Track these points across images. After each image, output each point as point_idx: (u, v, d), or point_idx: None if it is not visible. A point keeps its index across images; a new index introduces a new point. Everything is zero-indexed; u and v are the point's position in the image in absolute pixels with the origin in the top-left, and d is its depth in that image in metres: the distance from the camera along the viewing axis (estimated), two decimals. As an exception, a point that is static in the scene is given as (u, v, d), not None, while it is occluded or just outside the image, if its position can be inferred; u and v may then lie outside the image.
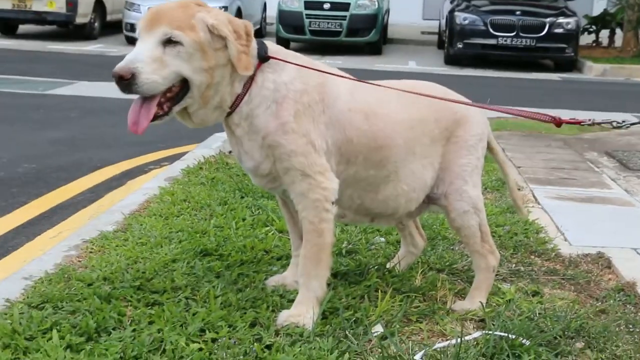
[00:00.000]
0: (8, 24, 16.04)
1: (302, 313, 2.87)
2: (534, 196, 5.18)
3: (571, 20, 14.38)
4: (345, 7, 15.18)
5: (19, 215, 4.73)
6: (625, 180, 5.83)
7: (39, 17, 15.39)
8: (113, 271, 3.30)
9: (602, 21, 17.21)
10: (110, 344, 2.64)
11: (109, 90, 9.32)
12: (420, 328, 2.96)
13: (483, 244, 3.17)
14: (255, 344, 2.69)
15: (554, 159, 6.44)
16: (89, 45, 15.15)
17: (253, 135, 2.84)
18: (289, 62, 2.86)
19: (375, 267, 3.51)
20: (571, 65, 14.77)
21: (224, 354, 2.63)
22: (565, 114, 8.94)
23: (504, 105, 9.27)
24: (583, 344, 2.86)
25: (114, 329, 2.77)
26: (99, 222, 4.12)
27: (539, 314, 3.07)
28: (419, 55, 16.15)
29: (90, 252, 3.64)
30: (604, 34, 17.48)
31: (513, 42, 14.19)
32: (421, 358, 2.70)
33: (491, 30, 14.23)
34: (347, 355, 2.66)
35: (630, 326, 3.04)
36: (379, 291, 3.18)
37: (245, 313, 2.93)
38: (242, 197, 4.60)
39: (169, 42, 2.65)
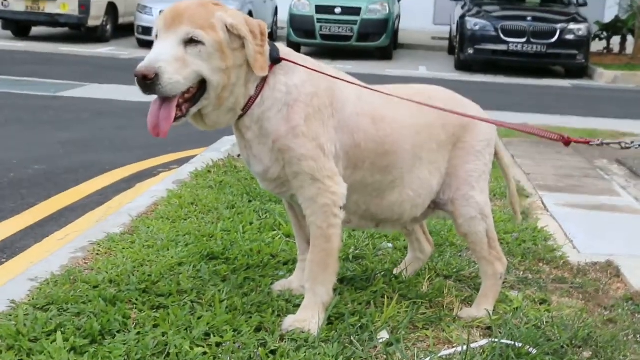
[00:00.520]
0: (21, 25, 16.10)
1: (308, 318, 2.85)
2: (543, 203, 5.15)
3: (582, 26, 14.32)
4: (357, 12, 15.17)
5: (28, 216, 4.73)
6: (635, 188, 5.80)
7: (52, 19, 15.45)
8: (119, 274, 3.29)
9: (613, 28, 17.14)
10: (115, 347, 2.63)
11: (120, 92, 9.44)
12: (427, 335, 2.94)
13: (490, 251, 3.15)
14: (259, 348, 2.67)
15: (563, 166, 6.40)
16: (101, 48, 15.20)
17: (263, 139, 2.82)
18: (301, 65, 2.84)
19: (382, 273, 3.49)
20: (582, 71, 14.71)
21: (228, 359, 2.61)
22: (576, 122, 8.95)
23: (515, 112, 9.15)
24: (591, 353, 2.84)
25: (118, 331, 2.75)
26: (106, 224, 4.11)
27: (547, 322, 3.04)
28: (429, 61, 16.13)
29: (97, 254, 3.64)
30: (615, 40, 17.40)
31: (524, 48, 14.15)
32: (427, 365, 2.68)
33: (502, 36, 14.19)
34: (352, 362, 2.64)
35: (639, 336, 3.01)
36: (386, 297, 3.16)
37: (250, 317, 2.91)
38: (250, 201, 4.59)
39: (190, 41, 2.61)
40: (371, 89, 2.97)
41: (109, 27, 16.37)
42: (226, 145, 6.26)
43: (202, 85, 2.69)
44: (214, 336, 2.75)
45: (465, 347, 2.70)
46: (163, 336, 2.72)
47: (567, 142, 2.95)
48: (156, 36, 2.69)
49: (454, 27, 16.17)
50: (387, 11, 15.33)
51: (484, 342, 2.85)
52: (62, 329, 2.72)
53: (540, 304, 3.32)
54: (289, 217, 3.31)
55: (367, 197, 3.03)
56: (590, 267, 3.84)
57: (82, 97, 9.38)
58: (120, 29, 16.81)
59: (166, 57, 2.58)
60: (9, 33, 16.17)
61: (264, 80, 2.79)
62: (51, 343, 2.62)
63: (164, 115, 2.63)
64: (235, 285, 3.23)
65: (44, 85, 10.10)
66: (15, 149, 6.45)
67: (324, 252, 2.86)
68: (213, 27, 2.64)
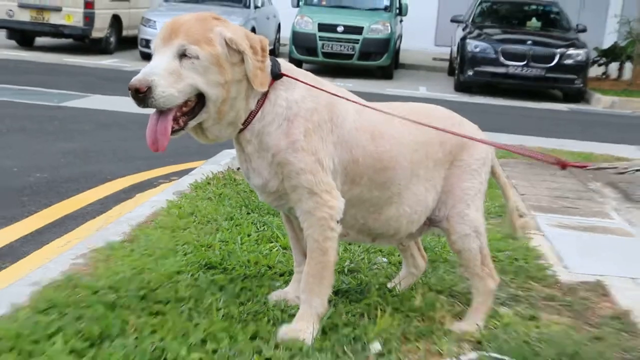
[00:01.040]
0: (26, 35, 16.14)
1: (303, 328, 2.88)
2: (536, 223, 5.20)
3: (581, 51, 14.41)
4: (359, 30, 15.25)
5: (29, 223, 4.78)
6: (627, 211, 5.85)
7: (56, 30, 15.49)
8: (118, 280, 3.34)
9: (612, 54, 17.21)
10: (113, 351, 2.67)
11: (123, 104, 9.48)
12: (418, 347, 2.98)
13: (483, 267, 3.19)
14: (255, 356, 2.71)
15: (558, 187, 6.46)
16: (105, 60, 15.27)
17: (263, 153, 2.85)
18: (302, 82, 2.88)
19: (376, 287, 3.53)
20: (580, 96, 14.78)
21: (224, 365, 2.66)
22: (573, 145, 9.00)
23: (513, 134, 9.18)
24: (577, 369, 2.88)
25: (117, 336, 2.79)
26: (106, 232, 4.16)
27: (535, 338, 3.08)
28: (429, 81, 16.21)
29: (97, 261, 3.68)
30: (614, 66, 17.48)
31: (523, 72, 14.23)
32: (417, 376, 2.73)
33: (502, 59, 14.27)
34: (344, 371, 2.69)
35: (624, 353, 3.06)
36: (379, 310, 3.21)
37: (246, 326, 2.95)
38: (248, 213, 4.63)
39: (185, 55, 2.63)
40: (369, 107, 3.01)
41: (112, 39, 16.42)
42: (226, 158, 6.31)
43: (200, 99, 2.70)
44: (211, 343, 2.78)
45: (455, 359, 2.75)
46: (160, 342, 2.76)
47: (563, 166, 2.98)
48: (154, 49, 2.71)
49: (455, 48, 16.25)
50: (389, 31, 15.41)
51: (473, 355, 2.89)
52: (62, 332, 2.76)
53: (530, 320, 3.36)
54: (286, 229, 3.35)
55: (364, 211, 3.07)
56: (580, 286, 3.89)
57: (85, 108, 9.44)
58: (124, 41, 16.87)
59: (160, 70, 2.60)
60: (13, 43, 16.22)
61: (264, 95, 2.82)
62: (51, 346, 2.67)
63: (161, 131, 2.64)
64: (232, 294, 3.27)
65: (48, 95, 10.15)
66: (18, 157, 6.50)
67: (320, 265, 2.90)
68: (210, 41, 2.65)
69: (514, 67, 14.22)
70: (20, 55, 14.86)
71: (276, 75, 2.84)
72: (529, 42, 14.45)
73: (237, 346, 2.78)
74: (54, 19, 15.32)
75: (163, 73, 2.60)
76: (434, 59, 20.20)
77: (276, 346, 2.81)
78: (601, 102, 14.37)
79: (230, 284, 3.41)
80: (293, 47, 15.60)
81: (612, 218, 5.58)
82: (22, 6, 15.28)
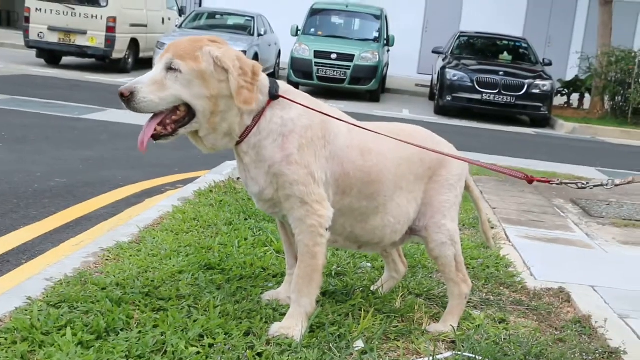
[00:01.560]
0: (53, 55, 16.12)
1: (292, 326, 2.82)
2: (505, 234, 5.15)
3: (547, 83, 14.44)
4: (350, 58, 15.26)
5: (48, 223, 4.69)
6: (586, 225, 5.80)
7: (81, 51, 15.49)
8: (125, 278, 3.27)
9: (573, 86, 17.28)
10: (118, 344, 2.60)
11: (136, 117, 9.36)
12: (398, 346, 2.91)
13: (457, 273, 3.14)
14: (247, 351, 2.65)
15: (525, 203, 6.41)
16: (122, 78, 15.17)
17: (260, 164, 2.81)
18: (296, 103, 2.83)
19: (360, 289, 3.47)
20: (545, 122, 14.80)
21: (219, 358, 2.58)
22: (539, 165, 8.98)
23: (485, 154, 9.17)
24: (542, 369, 2.81)
25: (122, 329, 2.73)
26: (116, 233, 4.08)
27: (504, 339, 3.03)
28: (412, 105, 16.19)
29: (107, 259, 3.60)
30: (575, 97, 17.55)
31: (495, 99, 14.24)
32: (396, 373, 2.65)
33: (477, 87, 14.28)
34: (329, 367, 2.61)
35: (584, 354, 2.99)
36: (362, 310, 3.14)
37: (240, 323, 2.88)
38: (246, 219, 4.56)
39: (170, 68, 2.65)
40: (359, 126, 2.96)
41: (130, 59, 16.39)
42: (227, 169, 6.24)
43: (191, 110, 2.70)
44: (208, 338, 2.72)
45: (431, 358, 2.68)
46: (162, 336, 2.69)
47: (530, 181, 2.96)
48: None
49: (435, 76, 16.25)
50: (377, 59, 15.42)
51: (448, 354, 2.83)
52: (72, 325, 2.69)
53: (500, 322, 3.30)
54: (280, 235, 3.29)
55: (352, 220, 3.01)
56: (545, 292, 3.83)
57: (103, 120, 9.36)
58: (141, 62, 16.83)
59: (145, 79, 2.65)
60: (42, 61, 16.16)
61: (261, 112, 2.78)
62: (61, 337, 2.60)
63: (145, 132, 2.69)
64: (228, 293, 3.20)
65: (70, 108, 10.07)
66: (41, 163, 6.42)
67: (309, 268, 2.84)
68: (196, 58, 2.66)
69: (488, 94, 14.24)
70: (48, 72, 14.79)
71: (274, 96, 2.80)
72: (501, 72, 14.49)
73: (231, 341, 2.71)
74: (80, 40, 15.32)
75: (147, 82, 2.64)
76: (417, 85, 20.21)
77: (268, 342, 2.75)
78: (564, 128, 14.38)
79: (227, 283, 3.34)
80: (291, 71, 15.60)
81: (573, 231, 5.53)
82: (51, 29, 15.28)
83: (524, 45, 16.78)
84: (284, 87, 2.88)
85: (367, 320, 3.01)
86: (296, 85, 14.94)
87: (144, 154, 2.71)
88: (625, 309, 3.70)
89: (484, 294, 3.70)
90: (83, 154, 7.10)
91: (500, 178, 7.61)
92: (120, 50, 15.77)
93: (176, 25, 18.32)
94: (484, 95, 14.25)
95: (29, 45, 15.64)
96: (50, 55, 16.07)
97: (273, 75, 17.38)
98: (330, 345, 2.77)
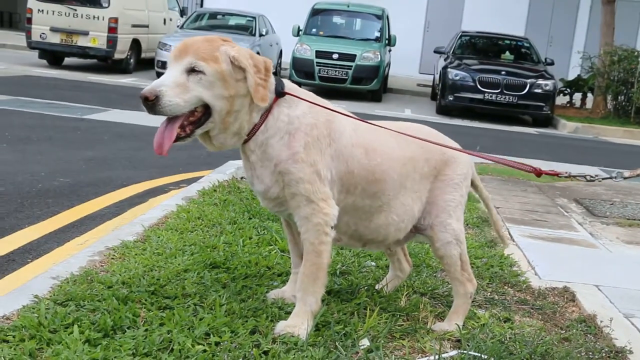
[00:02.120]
0: (56, 56, 16.15)
1: (298, 324, 2.83)
2: (509, 234, 5.15)
3: (549, 82, 14.44)
4: (352, 58, 15.27)
5: (52, 223, 4.71)
6: (590, 225, 5.81)
7: (83, 52, 15.52)
8: (131, 276, 3.27)
9: (576, 85, 17.28)
10: (124, 341, 2.60)
11: (139, 117, 9.43)
12: (403, 344, 2.92)
13: (462, 272, 3.14)
14: (254, 349, 2.65)
15: (528, 202, 6.41)
16: (124, 79, 15.22)
17: (266, 162, 2.81)
18: (303, 99, 2.85)
19: (365, 288, 3.48)
20: (547, 121, 14.81)
21: (225, 357, 2.59)
22: (541, 165, 8.98)
23: (488, 153, 9.33)
24: (547, 367, 2.82)
25: (128, 328, 2.74)
26: (121, 232, 4.09)
27: (509, 338, 3.03)
28: (414, 105, 16.20)
29: (112, 258, 3.61)
30: (577, 96, 17.54)
31: (497, 98, 14.25)
32: (402, 371, 2.66)
33: (479, 87, 14.29)
34: (335, 365, 2.62)
35: (590, 353, 3.00)
36: (368, 309, 3.15)
37: (246, 321, 2.89)
38: (250, 218, 4.57)
39: (192, 70, 2.63)
40: (367, 122, 2.98)
41: (132, 60, 16.41)
42: (231, 169, 6.25)
43: (207, 110, 2.69)
44: (214, 336, 2.72)
45: (437, 356, 2.69)
46: (168, 334, 2.70)
47: (538, 174, 2.95)
48: (167, 66, 2.71)
49: (437, 76, 16.26)
50: (379, 59, 15.43)
51: (454, 353, 2.83)
52: (79, 323, 2.70)
53: (504, 321, 3.31)
54: (285, 233, 3.30)
55: (357, 219, 3.02)
56: (549, 292, 3.83)
57: (105, 121, 9.38)
58: (142, 62, 16.86)
59: (168, 82, 2.61)
60: (44, 62, 16.19)
61: (268, 110, 2.79)
62: (69, 335, 2.61)
63: (167, 136, 2.64)
64: (234, 292, 3.21)
65: (73, 109, 10.09)
66: (45, 163, 6.43)
67: (314, 266, 2.85)
68: (216, 58, 2.65)
69: (490, 94, 14.24)
70: (50, 73, 14.81)
71: (280, 93, 2.82)
72: (503, 72, 14.50)
73: (237, 339, 2.72)
74: (82, 41, 15.36)
75: (171, 84, 2.61)
76: (418, 84, 20.22)
77: (273, 340, 2.75)
78: (566, 127, 14.38)
79: (233, 282, 3.35)
80: (293, 71, 15.62)
81: (577, 231, 5.53)
82: (53, 30, 15.32)
83: (525, 44, 16.78)
84: (289, 85, 2.90)
85: (372, 318, 3.01)
86: (298, 85, 14.89)
87: (165, 155, 2.68)
88: (631, 309, 3.71)
89: (489, 293, 3.70)
90: (86, 154, 7.11)
91: (503, 176, 7.62)
92: (122, 51, 15.79)
93: (178, 26, 18.36)
94: (486, 95, 14.26)
95: (31, 46, 15.69)
96: (53, 56, 16.10)
97: (275, 75, 17.34)
98: (336, 344, 2.77)
